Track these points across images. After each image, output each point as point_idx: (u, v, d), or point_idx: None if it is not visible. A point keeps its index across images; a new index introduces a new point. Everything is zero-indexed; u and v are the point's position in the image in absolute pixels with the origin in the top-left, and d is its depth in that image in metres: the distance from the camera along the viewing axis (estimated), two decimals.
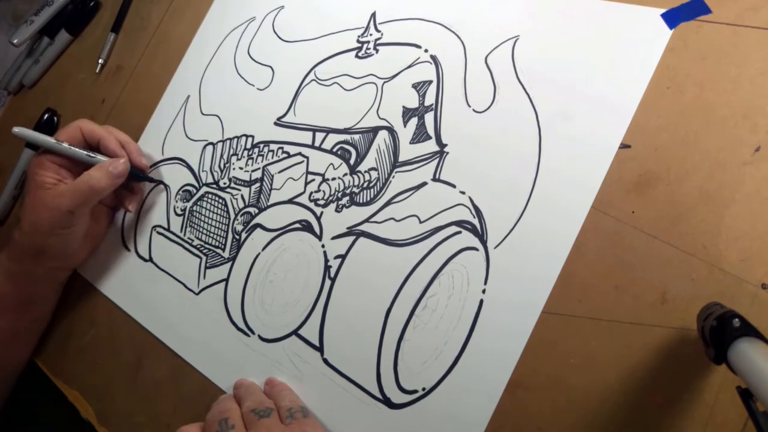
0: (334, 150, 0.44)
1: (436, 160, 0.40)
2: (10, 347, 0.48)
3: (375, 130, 0.43)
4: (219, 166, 0.49)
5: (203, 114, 0.52)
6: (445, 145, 0.40)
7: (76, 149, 0.45)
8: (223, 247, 0.45)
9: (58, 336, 0.51)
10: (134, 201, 0.49)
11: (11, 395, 0.50)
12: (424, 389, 0.36)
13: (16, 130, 0.45)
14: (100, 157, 0.46)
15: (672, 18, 0.36)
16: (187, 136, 0.52)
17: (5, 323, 0.46)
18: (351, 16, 0.48)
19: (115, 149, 0.47)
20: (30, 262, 0.45)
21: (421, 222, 0.39)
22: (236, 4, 0.55)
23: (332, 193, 0.43)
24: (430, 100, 0.42)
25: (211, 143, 0.50)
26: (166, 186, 0.50)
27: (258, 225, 0.45)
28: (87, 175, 0.44)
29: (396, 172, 0.41)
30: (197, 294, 0.45)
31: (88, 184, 0.43)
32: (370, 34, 0.46)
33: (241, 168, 0.47)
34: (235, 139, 0.49)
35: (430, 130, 0.41)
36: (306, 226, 0.43)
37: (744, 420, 0.30)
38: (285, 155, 0.46)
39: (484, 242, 0.37)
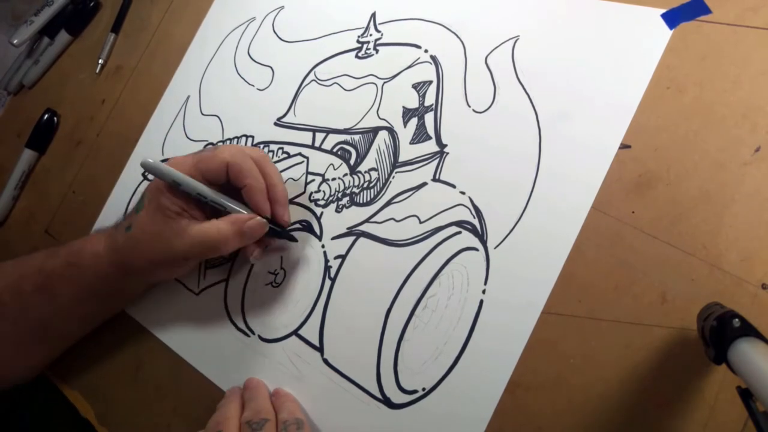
0: (334, 150, 0.44)
1: (436, 161, 0.40)
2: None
3: (375, 131, 0.43)
4: None
5: (203, 114, 0.52)
6: (445, 145, 0.40)
7: (212, 194, 0.38)
8: None
9: None
10: (258, 249, 0.41)
11: (11, 395, 0.50)
12: (424, 389, 0.36)
13: (149, 161, 0.37)
14: (235, 205, 0.39)
15: (672, 18, 0.36)
16: (187, 136, 0.52)
17: (86, 309, 0.44)
18: (351, 16, 0.48)
19: (258, 202, 0.39)
20: (120, 275, 0.41)
21: (421, 222, 0.39)
22: (236, 4, 0.55)
23: (332, 193, 0.43)
24: (430, 100, 0.42)
25: (211, 143, 0.50)
26: (291, 239, 0.42)
27: None
28: (216, 229, 0.38)
29: (396, 173, 0.41)
30: (197, 294, 0.45)
31: (214, 240, 0.37)
32: (370, 35, 0.46)
33: None
34: (235, 140, 0.49)
35: (430, 131, 0.41)
36: (306, 227, 0.43)
37: (744, 420, 0.30)
38: (285, 155, 0.46)
39: (484, 242, 0.37)
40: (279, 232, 0.41)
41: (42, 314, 0.42)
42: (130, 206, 0.51)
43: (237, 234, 0.38)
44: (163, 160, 0.39)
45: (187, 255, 0.38)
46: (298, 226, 0.43)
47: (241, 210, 0.39)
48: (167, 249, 0.38)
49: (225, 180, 0.39)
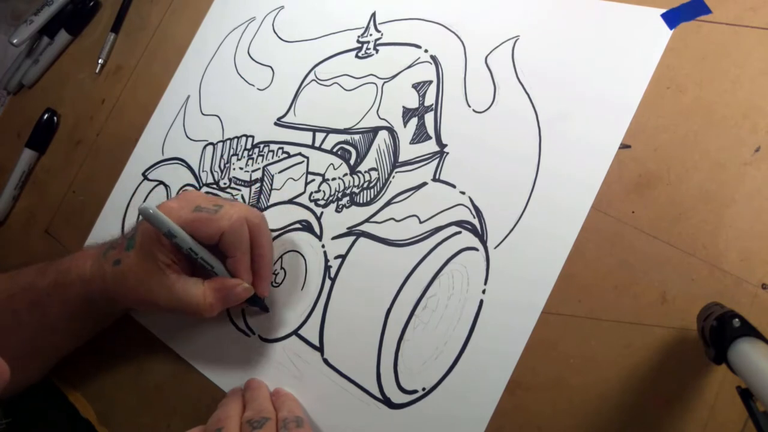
0: (334, 150, 0.44)
1: (436, 161, 0.40)
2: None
3: (375, 130, 0.43)
4: (219, 167, 0.49)
5: (203, 114, 0.52)
6: (445, 145, 0.40)
7: (203, 254, 0.38)
8: None
9: None
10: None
11: (11, 396, 0.50)
12: (424, 389, 0.36)
13: (148, 210, 0.36)
14: (222, 268, 0.39)
15: (672, 18, 0.36)
16: (187, 136, 0.52)
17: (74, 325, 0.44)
18: (351, 16, 0.48)
19: (241, 275, 0.39)
20: (106, 301, 0.42)
21: (421, 222, 0.39)
22: (236, 4, 0.55)
23: (332, 193, 0.43)
24: (430, 100, 0.42)
25: (211, 143, 0.50)
26: (264, 309, 0.42)
27: None
28: (201, 295, 0.38)
29: (396, 172, 0.41)
30: None
31: (198, 305, 0.38)
32: (370, 34, 0.46)
33: (241, 168, 0.47)
34: (235, 140, 0.49)
35: (430, 130, 0.41)
36: (306, 227, 0.43)
37: (744, 420, 0.30)
38: (285, 155, 0.46)
39: (484, 242, 0.37)
40: (255, 301, 0.40)
41: (33, 331, 0.43)
42: (129, 210, 0.51)
43: (221, 300, 0.38)
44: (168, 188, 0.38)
45: (170, 309, 0.39)
46: (298, 226, 0.43)
47: (227, 274, 0.39)
48: (151, 297, 0.38)
49: (214, 243, 0.38)
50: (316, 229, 0.42)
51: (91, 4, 0.63)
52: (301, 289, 0.41)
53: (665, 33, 0.36)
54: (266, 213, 0.45)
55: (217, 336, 0.43)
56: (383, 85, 0.44)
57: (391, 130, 0.42)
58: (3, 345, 0.43)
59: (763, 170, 0.32)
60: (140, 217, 0.37)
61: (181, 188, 0.50)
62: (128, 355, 0.46)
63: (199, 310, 0.38)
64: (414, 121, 0.42)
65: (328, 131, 0.45)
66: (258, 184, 0.46)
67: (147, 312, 0.46)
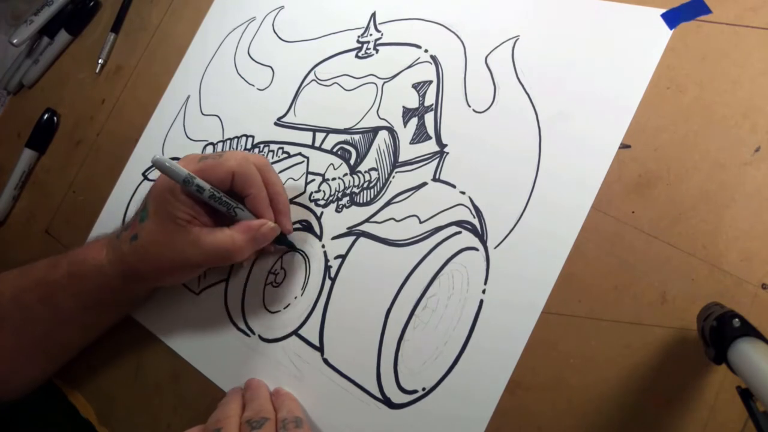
0: (334, 150, 0.44)
1: (436, 160, 0.40)
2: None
3: (375, 130, 0.43)
4: None
5: (203, 114, 0.52)
6: (445, 145, 0.40)
7: (222, 197, 0.37)
8: None
9: None
10: (253, 256, 0.42)
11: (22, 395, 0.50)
12: (424, 389, 0.36)
13: (161, 159, 0.35)
14: (245, 212, 0.39)
15: (672, 18, 0.36)
16: (187, 136, 0.52)
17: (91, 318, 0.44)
18: (351, 16, 0.48)
19: (262, 212, 0.39)
20: (128, 284, 0.41)
21: (421, 222, 0.39)
22: (236, 4, 0.55)
23: (332, 193, 0.43)
24: (430, 100, 0.42)
25: (211, 143, 0.50)
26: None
27: None
28: (230, 239, 0.37)
29: (396, 172, 0.41)
30: (197, 294, 0.45)
31: (229, 249, 0.37)
32: (370, 34, 0.46)
33: None
34: (236, 140, 0.49)
35: (430, 130, 0.41)
36: (306, 227, 0.43)
37: (744, 420, 0.30)
38: (285, 155, 0.46)
39: (484, 242, 0.37)
40: (282, 241, 0.41)
41: (45, 326, 0.42)
42: (129, 210, 0.51)
43: (250, 241, 0.38)
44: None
45: (201, 263, 0.38)
46: (298, 226, 0.43)
47: (249, 215, 0.39)
48: (180, 258, 0.38)
49: (227, 188, 0.38)
50: (316, 229, 0.42)
51: (91, 4, 0.63)
52: (301, 289, 0.41)
53: (665, 33, 0.36)
54: None
55: (217, 336, 0.43)
56: (383, 85, 0.44)
57: (391, 130, 0.42)
58: (15, 342, 0.43)
59: (763, 170, 0.32)
60: (148, 191, 0.38)
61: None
62: (128, 355, 0.47)
63: (231, 255, 0.37)
64: (414, 121, 0.42)
65: (328, 131, 0.45)
66: None
67: (175, 281, 0.43)
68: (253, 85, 0.50)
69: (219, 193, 0.37)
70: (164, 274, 0.40)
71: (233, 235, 0.38)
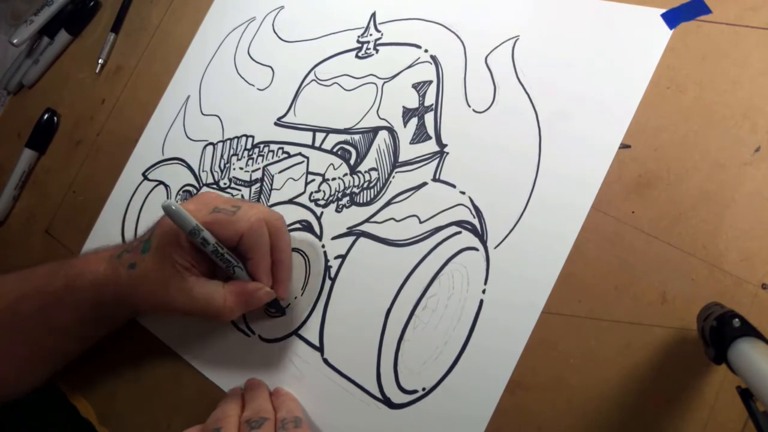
0: (334, 150, 0.44)
1: (436, 160, 0.40)
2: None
3: (375, 130, 0.43)
4: (219, 167, 0.49)
5: (203, 114, 0.52)
6: (445, 145, 0.40)
7: (225, 255, 0.37)
8: None
9: None
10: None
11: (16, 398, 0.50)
12: (424, 389, 0.36)
13: (172, 206, 0.34)
14: (244, 273, 0.38)
15: (672, 18, 0.36)
16: (187, 136, 0.52)
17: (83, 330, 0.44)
18: (351, 16, 0.48)
19: (260, 278, 0.38)
20: (118, 306, 0.41)
21: (421, 222, 0.39)
22: (236, 4, 0.55)
23: (332, 193, 0.43)
24: (430, 100, 0.42)
25: (211, 143, 0.50)
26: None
27: None
28: (222, 299, 0.37)
29: (396, 172, 0.41)
30: None
31: (219, 310, 0.37)
32: (370, 34, 0.46)
33: (241, 168, 0.47)
34: (236, 140, 0.49)
35: (430, 130, 0.41)
36: (306, 227, 0.43)
37: (744, 420, 0.30)
38: (285, 155, 0.46)
39: (484, 242, 0.37)
40: (274, 305, 0.40)
41: (41, 335, 0.42)
42: (129, 210, 0.51)
43: (242, 304, 0.38)
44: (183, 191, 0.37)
45: (188, 312, 0.38)
46: (298, 226, 0.43)
47: (247, 276, 0.38)
48: (170, 301, 0.38)
49: (233, 246, 0.38)
50: (316, 229, 0.42)
51: (91, 4, 0.63)
52: (302, 289, 0.41)
53: (665, 33, 0.36)
54: None
55: (217, 336, 0.43)
56: (383, 85, 0.44)
57: (391, 130, 0.42)
58: (9, 349, 0.43)
59: (763, 170, 0.32)
60: (156, 222, 0.37)
61: (181, 188, 0.50)
62: (128, 355, 0.46)
63: (219, 314, 0.37)
64: (414, 121, 0.42)
65: (328, 131, 0.45)
66: (258, 184, 0.46)
67: (161, 316, 0.45)
68: (253, 85, 0.50)
69: (222, 249, 0.37)
70: (154, 309, 0.40)
71: (226, 295, 0.37)
